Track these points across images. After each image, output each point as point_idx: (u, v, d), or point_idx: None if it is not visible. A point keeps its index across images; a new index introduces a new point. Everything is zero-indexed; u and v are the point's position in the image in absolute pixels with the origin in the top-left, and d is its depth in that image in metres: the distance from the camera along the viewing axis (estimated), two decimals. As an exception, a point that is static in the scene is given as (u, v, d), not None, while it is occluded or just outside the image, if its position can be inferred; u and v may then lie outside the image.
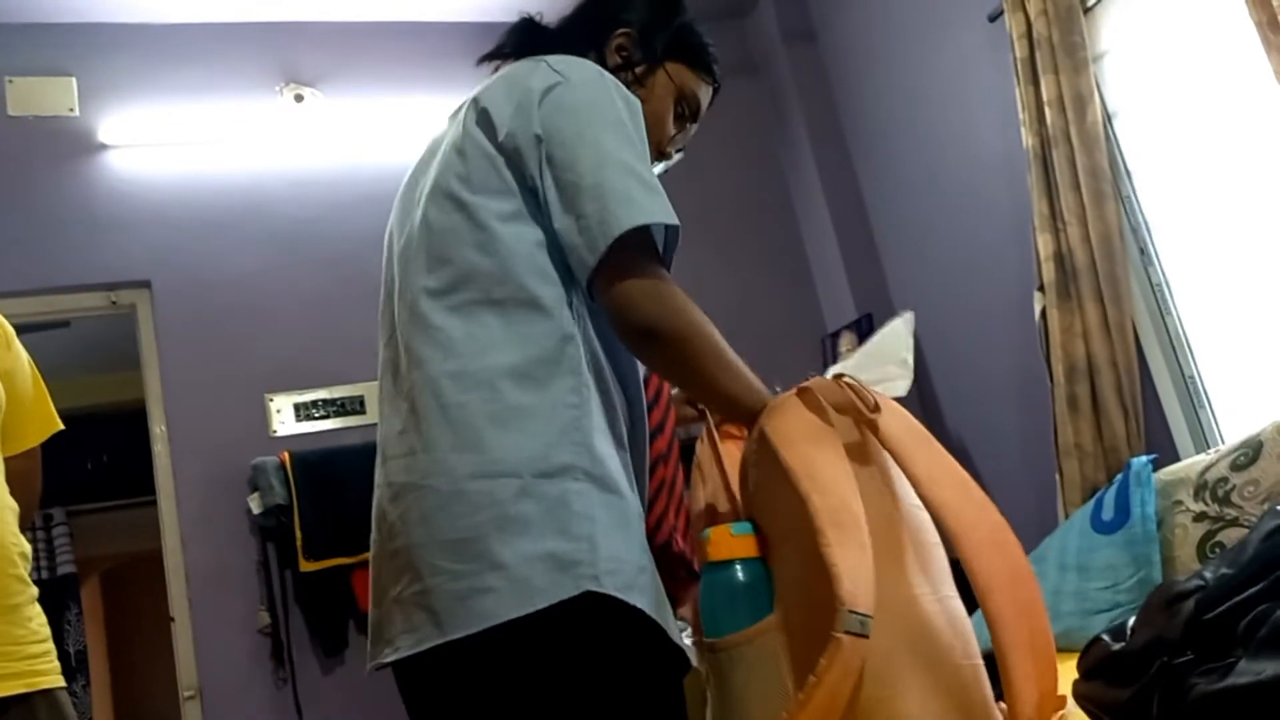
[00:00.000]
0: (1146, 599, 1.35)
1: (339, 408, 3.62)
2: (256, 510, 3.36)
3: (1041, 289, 3.16)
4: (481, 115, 1.26)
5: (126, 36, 3.69)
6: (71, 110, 3.56)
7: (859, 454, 1.19)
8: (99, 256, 3.49)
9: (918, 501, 1.17)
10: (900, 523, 1.16)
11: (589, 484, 1.14)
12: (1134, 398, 2.98)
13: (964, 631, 1.14)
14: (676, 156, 1.54)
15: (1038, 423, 3.31)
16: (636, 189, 1.17)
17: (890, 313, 4.11)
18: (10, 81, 3.52)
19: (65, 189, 3.52)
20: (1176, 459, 2.87)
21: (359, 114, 3.90)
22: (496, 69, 1.44)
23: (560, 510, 1.11)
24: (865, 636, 1.00)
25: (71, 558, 5.74)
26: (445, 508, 1.14)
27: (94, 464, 5.79)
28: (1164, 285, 3.06)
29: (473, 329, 1.19)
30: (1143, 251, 3.09)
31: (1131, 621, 1.37)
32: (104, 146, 3.58)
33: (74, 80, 3.59)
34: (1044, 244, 3.14)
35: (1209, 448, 2.85)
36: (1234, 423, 2.90)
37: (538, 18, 1.48)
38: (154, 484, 3.45)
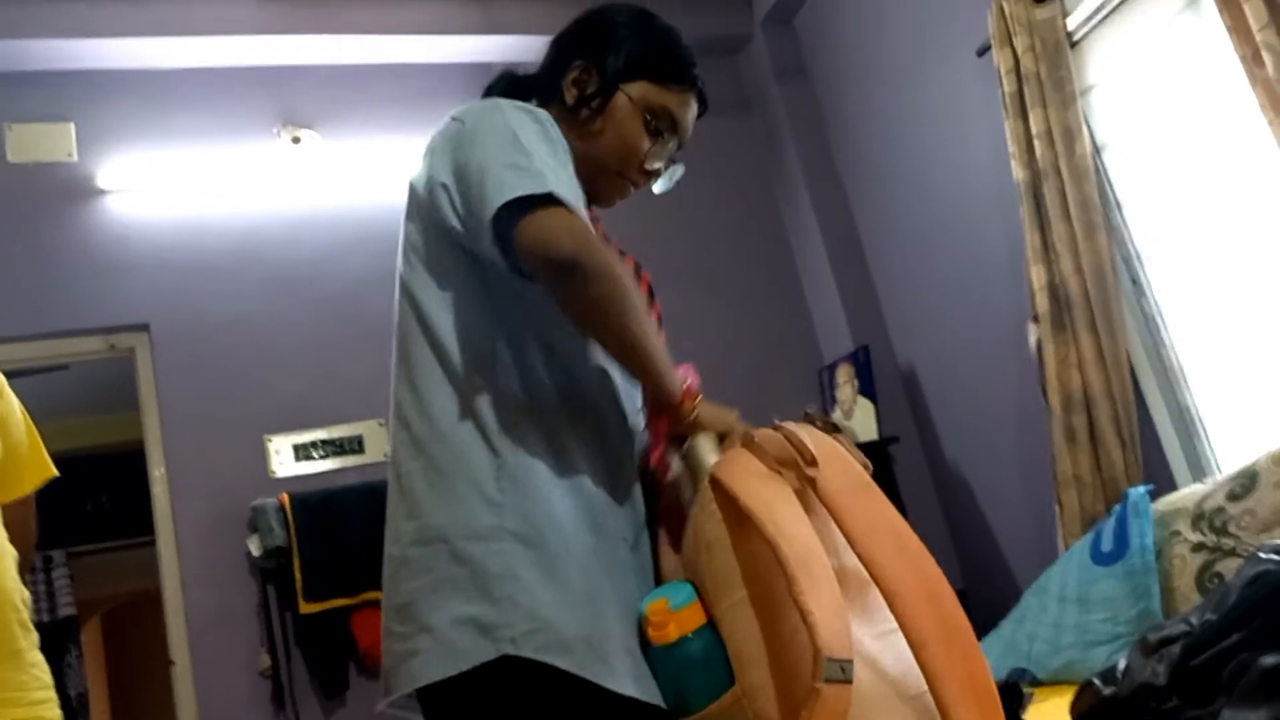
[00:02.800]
0: (1135, 643, 1.36)
1: (337, 448, 3.63)
2: (256, 552, 3.36)
3: (1035, 319, 3.17)
4: (410, 190, 1.36)
5: (124, 83, 3.73)
6: (70, 156, 3.59)
7: (805, 500, 1.18)
8: (98, 301, 3.51)
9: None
10: (842, 565, 1.15)
11: (513, 543, 1.17)
12: (1130, 428, 2.99)
13: (907, 664, 1.13)
14: (673, 170, 1.51)
15: (1036, 453, 3.31)
16: (505, 178, 1.20)
17: (888, 345, 4.13)
18: (10, 128, 3.55)
19: (64, 234, 3.54)
20: (1175, 489, 2.88)
21: (356, 155, 3.93)
22: None
23: (481, 574, 1.15)
24: (848, 682, 1.00)
25: (72, 599, 5.72)
26: (395, 574, 1.22)
27: (94, 505, 5.78)
28: (1157, 315, 3.07)
29: (416, 396, 1.26)
30: (1135, 282, 3.11)
31: (1121, 664, 1.37)
32: (102, 191, 3.60)
33: (72, 126, 3.62)
34: (1037, 275, 3.15)
35: (1206, 477, 2.86)
36: (1230, 452, 2.90)
37: (516, 69, 1.53)
38: (153, 524, 3.45)
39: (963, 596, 3.72)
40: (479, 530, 1.17)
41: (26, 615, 1.73)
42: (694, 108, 1.49)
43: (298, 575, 3.33)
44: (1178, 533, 2.58)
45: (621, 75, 1.42)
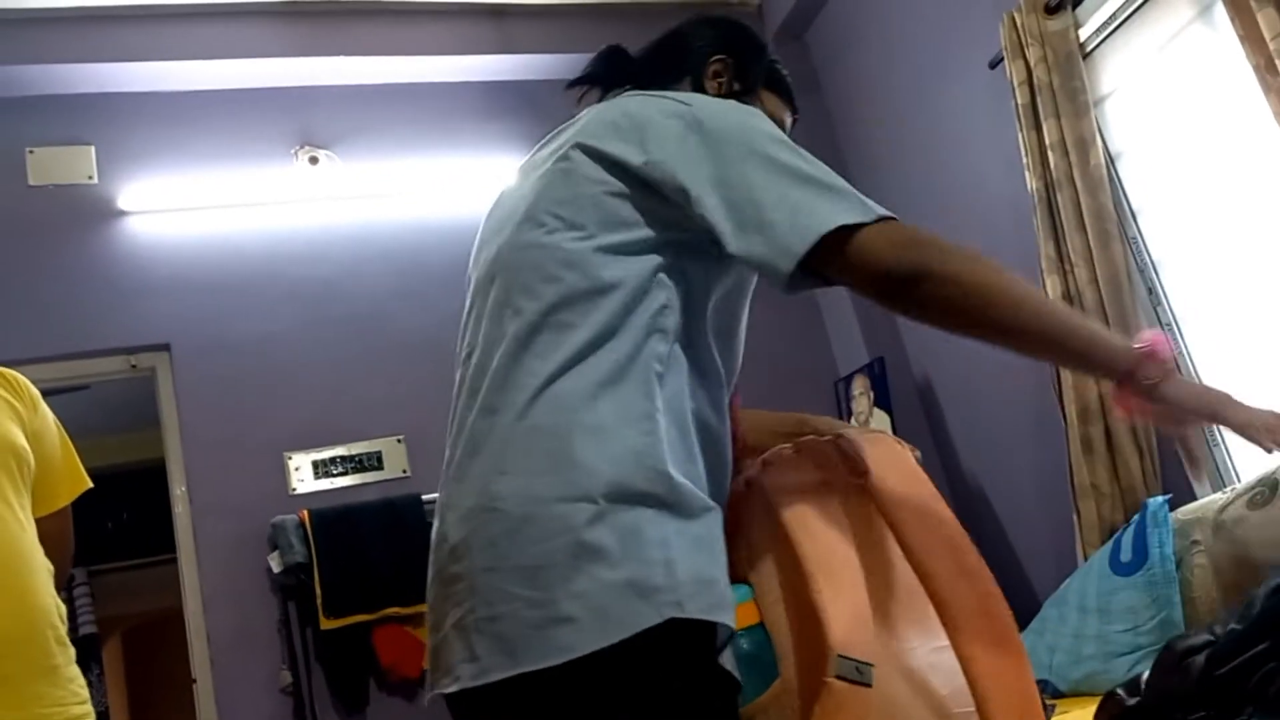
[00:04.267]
0: (1159, 654, 1.36)
1: (357, 464, 3.65)
2: (277, 569, 3.37)
3: (1052, 331, 3.17)
4: (596, 153, 1.25)
5: (143, 105, 3.77)
6: (91, 178, 3.63)
7: (855, 509, 1.19)
8: (119, 321, 3.55)
9: None
10: (895, 577, 1.16)
11: (663, 511, 1.10)
12: (1148, 438, 2.98)
13: (954, 681, 1.13)
14: None
15: (1052, 464, 3.30)
16: (813, 202, 1.16)
17: (903, 357, 4.13)
18: (31, 152, 3.59)
19: (85, 255, 3.58)
20: (1194, 498, 2.87)
21: (373, 174, 3.96)
22: (582, 97, 1.49)
23: (634, 538, 1.08)
24: (866, 685, 0.99)
25: (93, 618, 5.73)
26: (517, 532, 1.10)
27: (114, 523, 5.81)
28: (1173, 324, 3.07)
29: (563, 351, 1.16)
30: (1150, 291, 3.11)
31: (1145, 675, 1.37)
32: (123, 213, 3.64)
33: (93, 149, 3.66)
34: (1052, 285, 3.15)
35: (1225, 486, 2.85)
36: (1249, 461, 2.89)
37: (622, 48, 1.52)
38: (174, 541, 3.47)
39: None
40: (630, 493, 1.09)
41: (63, 630, 1.75)
42: (791, 124, 1.54)
43: (318, 591, 3.34)
44: (1197, 542, 2.58)
45: (761, 81, 1.49)
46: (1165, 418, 1.22)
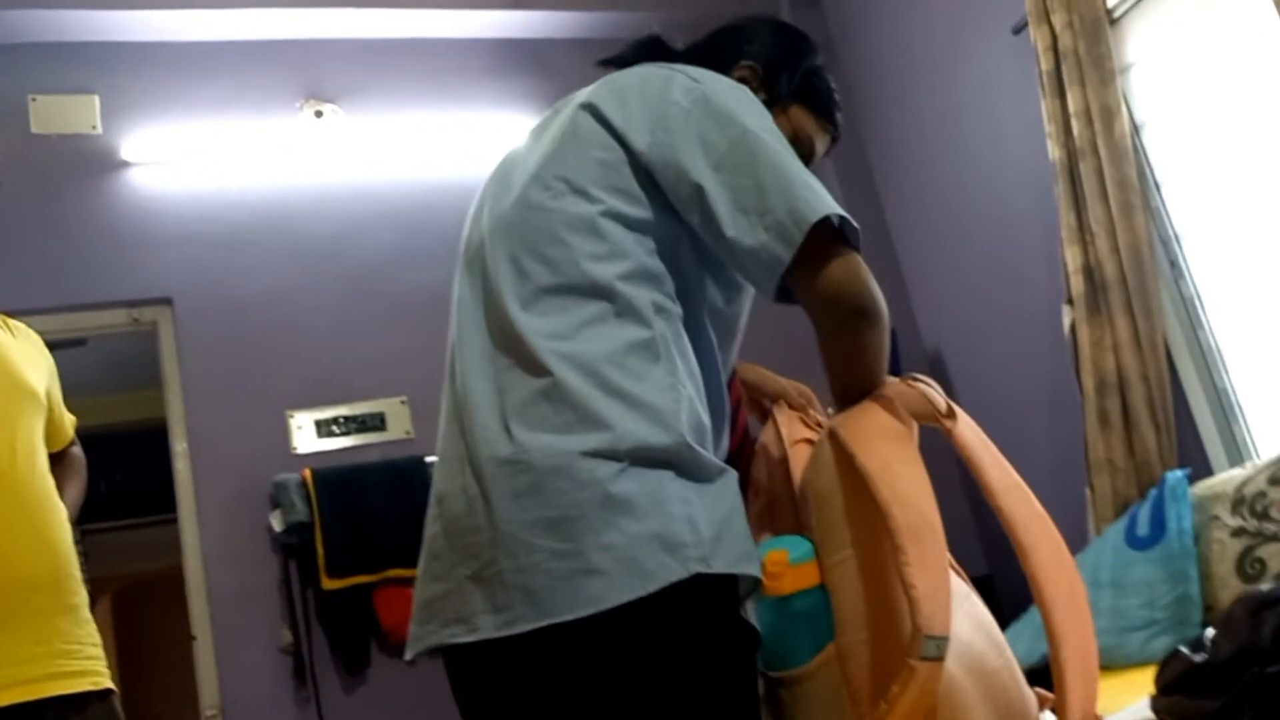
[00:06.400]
0: (1228, 609, 1.33)
1: (360, 424, 3.60)
2: (278, 528, 3.34)
3: (1070, 302, 3.14)
4: (604, 121, 1.25)
5: (148, 55, 3.70)
6: (94, 128, 3.55)
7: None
8: (121, 274, 3.48)
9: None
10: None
11: (681, 475, 1.11)
12: (1166, 412, 2.95)
13: (991, 633, 1.15)
14: None
15: (1066, 437, 3.28)
16: (813, 185, 1.19)
17: (914, 327, 4.09)
18: (34, 99, 3.51)
19: (88, 207, 3.51)
20: (1210, 473, 2.84)
21: (379, 130, 3.90)
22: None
23: (658, 494, 1.09)
24: (941, 660, 0.98)
25: (85, 577, 5.71)
26: (543, 484, 1.09)
27: (108, 483, 5.78)
28: (1195, 298, 3.03)
29: (576, 315, 1.17)
30: (1173, 264, 3.07)
31: (1209, 634, 1.34)
32: (126, 164, 3.57)
33: (96, 98, 3.59)
34: (1072, 257, 3.11)
35: (1243, 461, 2.82)
36: (1269, 436, 2.87)
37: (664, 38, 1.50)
38: (166, 502, 3.44)
39: (988, 581, 3.71)
40: (653, 455, 1.10)
41: (79, 572, 1.79)
42: (826, 146, 1.53)
43: (320, 551, 3.31)
44: (1216, 517, 2.55)
45: (790, 95, 1.45)
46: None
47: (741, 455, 1.45)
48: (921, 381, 1.22)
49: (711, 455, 1.16)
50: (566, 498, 1.08)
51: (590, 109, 1.26)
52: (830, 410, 1.32)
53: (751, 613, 1.17)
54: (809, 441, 1.35)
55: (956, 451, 1.16)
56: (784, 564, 1.15)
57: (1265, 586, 1.33)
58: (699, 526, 1.08)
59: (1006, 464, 1.18)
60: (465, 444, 1.19)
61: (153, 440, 3.59)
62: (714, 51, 1.48)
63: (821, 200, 1.16)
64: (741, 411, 1.48)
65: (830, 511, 1.15)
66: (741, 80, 1.42)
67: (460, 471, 1.18)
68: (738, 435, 1.44)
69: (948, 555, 1.07)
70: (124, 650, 6.67)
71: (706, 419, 1.20)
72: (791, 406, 1.50)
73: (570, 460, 1.09)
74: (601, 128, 1.24)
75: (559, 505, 1.08)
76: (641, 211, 1.21)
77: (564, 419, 1.11)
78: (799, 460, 1.31)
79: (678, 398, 1.14)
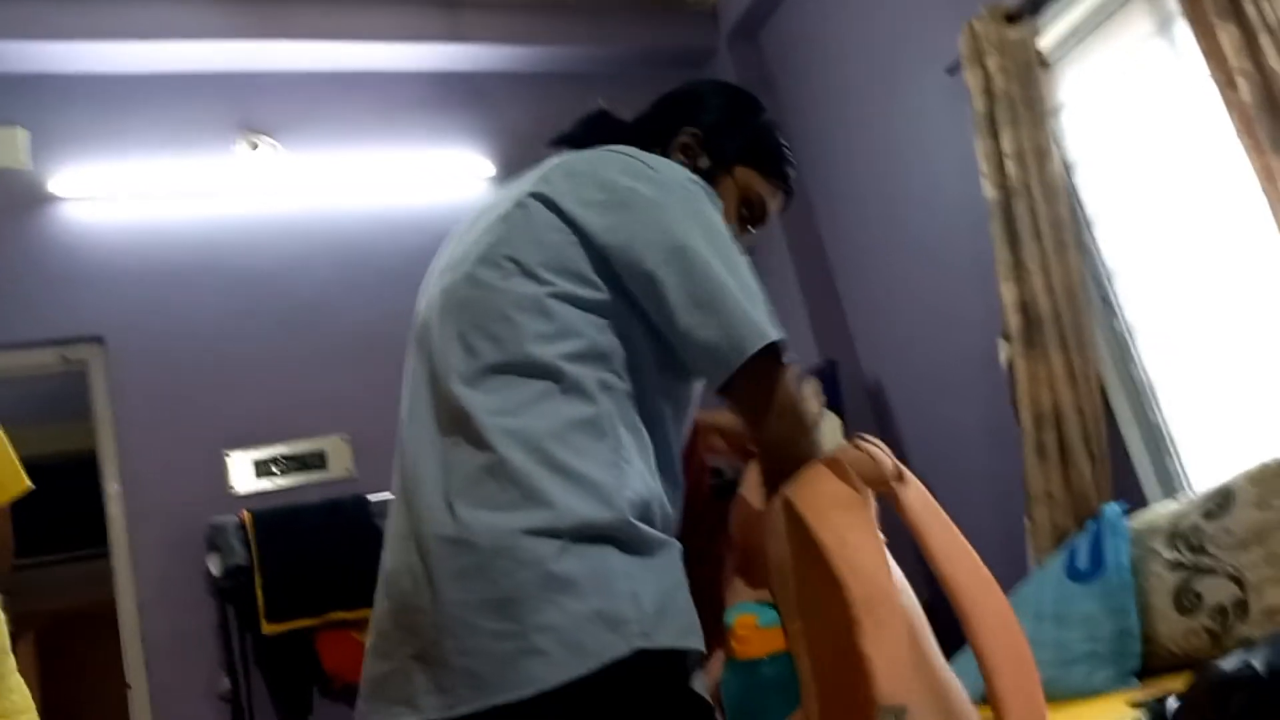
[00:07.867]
0: (1190, 686, 1.34)
1: (299, 463, 3.55)
2: (216, 572, 3.27)
3: (1006, 337, 3.19)
4: (554, 206, 1.26)
5: (78, 87, 3.62)
6: (22, 163, 3.46)
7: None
8: (50, 312, 3.40)
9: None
10: (907, 588, 1.16)
11: (624, 550, 1.12)
12: (1100, 445, 3.01)
13: (965, 696, 1.15)
14: None
15: (1004, 469, 3.33)
16: (756, 304, 1.23)
17: (854, 359, 4.13)
18: (-42, 134, 3.42)
19: (16, 243, 3.43)
20: (1145, 504, 2.91)
21: (315, 163, 3.86)
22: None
23: (600, 571, 1.10)
24: None
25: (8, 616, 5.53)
26: (486, 565, 1.10)
27: (31, 517, 5.61)
28: (1127, 333, 3.11)
29: (521, 392, 1.18)
30: (1105, 300, 3.15)
31: (1171, 702, 1.36)
32: (56, 199, 3.49)
33: (24, 132, 3.49)
34: (1008, 293, 3.17)
35: (1176, 494, 2.89)
36: (1200, 469, 2.94)
37: (610, 110, 1.51)
38: (97, 537, 3.36)
39: (930, 611, 3.74)
40: (594, 531, 1.11)
41: (6, 639, 1.71)
42: (779, 203, 1.55)
43: (259, 595, 3.24)
44: (1154, 550, 2.61)
45: (734, 156, 1.46)
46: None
47: (704, 512, 1.45)
48: (869, 442, 1.23)
49: (654, 530, 1.17)
50: (510, 579, 1.09)
51: (541, 194, 1.27)
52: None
53: (709, 682, 1.17)
54: None
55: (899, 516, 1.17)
56: (752, 628, 1.16)
57: (1223, 663, 1.35)
58: (641, 602, 1.09)
59: (953, 528, 1.18)
60: (411, 522, 1.20)
61: (81, 472, 3.48)
62: (659, 121, 1.49)
63: (764, 325, 1.20)
64: (703, 474, 1.47)
65: (786, 580, 1.15)
66: (683, 146, 1.46)
67: (407, 550, 1.18)
68: (702, 496, 1.45)
69: (908, 621, 1.07)
70: (49, 691, 6.46)
71: (659, 489, 1.21)
72: None
73: (513, 540, 1.10)
74: (552, 212, 1.25)
75: (502, 586, 1.09)
76: (593, 292, 1.22)
77: (508, 496, 1.12)
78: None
79: (620, 474, 1.15)
